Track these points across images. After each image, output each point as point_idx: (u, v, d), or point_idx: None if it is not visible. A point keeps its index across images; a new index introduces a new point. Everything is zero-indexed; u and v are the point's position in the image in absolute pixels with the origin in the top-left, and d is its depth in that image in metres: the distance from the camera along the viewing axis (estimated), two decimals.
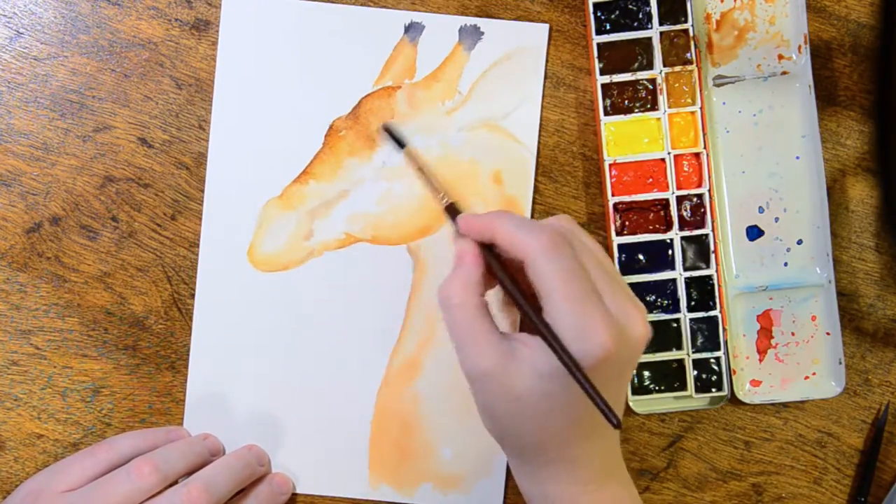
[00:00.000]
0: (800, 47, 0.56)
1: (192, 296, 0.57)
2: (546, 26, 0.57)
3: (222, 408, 0.57)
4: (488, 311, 0.45)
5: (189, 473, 0.53)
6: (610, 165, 0.56)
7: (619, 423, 0.41)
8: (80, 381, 0.57)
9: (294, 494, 0.57)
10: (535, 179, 0.57)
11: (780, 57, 0.57)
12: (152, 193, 0.57)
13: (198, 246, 0.57)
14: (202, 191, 0.57)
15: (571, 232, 0.45)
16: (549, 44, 0.57)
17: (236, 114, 0.57)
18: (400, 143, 0.49)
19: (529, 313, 0.43)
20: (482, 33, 0.57)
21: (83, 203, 0.57)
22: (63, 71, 0.57)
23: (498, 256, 0.45)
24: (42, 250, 0.57)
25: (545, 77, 0.57)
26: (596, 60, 0.56)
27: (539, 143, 0.57)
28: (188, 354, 0.57)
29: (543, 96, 0.57)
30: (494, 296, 0.47)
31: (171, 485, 0.52)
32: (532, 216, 0.57)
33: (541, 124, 0.57)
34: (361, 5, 0.57)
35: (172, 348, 0.57)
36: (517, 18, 0.57)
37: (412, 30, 0.57)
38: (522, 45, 0.57)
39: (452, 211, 0.47)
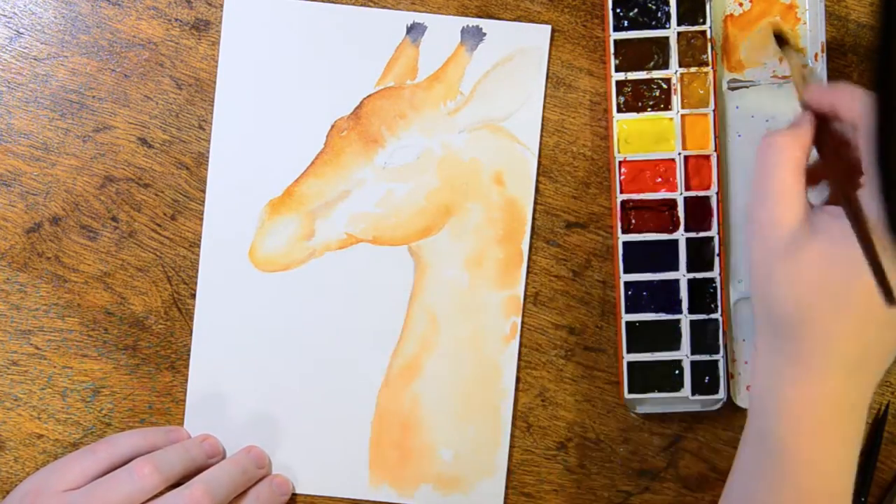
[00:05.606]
0: (816, 55, 0.56)
1: (193, 296, 0.57)
2: (548, 28, 0.57)
3: (222, 408, 0.57)
4: (805, 176, 0.47)
5: (189, 475, 0.53)
6: (620, 163, 0.56)
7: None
8: (80, 381, 0.57)
9: (294, 494, 0.57)
10: (536, 179, 0.57)
11: None
12: (152, 193, 0.57)
13: (198, 246, 0.57)
14: (202, 191, 0.57)
15: None
16: (550, 45, 0.57)
17: (238, 113, 0.57)
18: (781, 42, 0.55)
19: (846, 190, 0.44)
20: (484, 34, 0.56)
21: (83, 203, 0.57)
22: (63, 71, 0.56)
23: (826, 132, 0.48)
24: (42, 250, 0.57)
25: (546, 77, 0.57)
26: (612, 57, 0.56)
27: (539, 143, 0.57)
28: (188, 354, 0.57)
29: (544, 96, 0.57)
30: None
31: (171, 486, 0.52)
32: (533, 217, 0.57)
33: (541, 124, 0.57)
34: (361, 5, 0.57)
35: (172, 348, 0.57)
36: (517, 18, 0.57)
37: (414, 31, 0.56)
38: (525, 46, 0.57)
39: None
